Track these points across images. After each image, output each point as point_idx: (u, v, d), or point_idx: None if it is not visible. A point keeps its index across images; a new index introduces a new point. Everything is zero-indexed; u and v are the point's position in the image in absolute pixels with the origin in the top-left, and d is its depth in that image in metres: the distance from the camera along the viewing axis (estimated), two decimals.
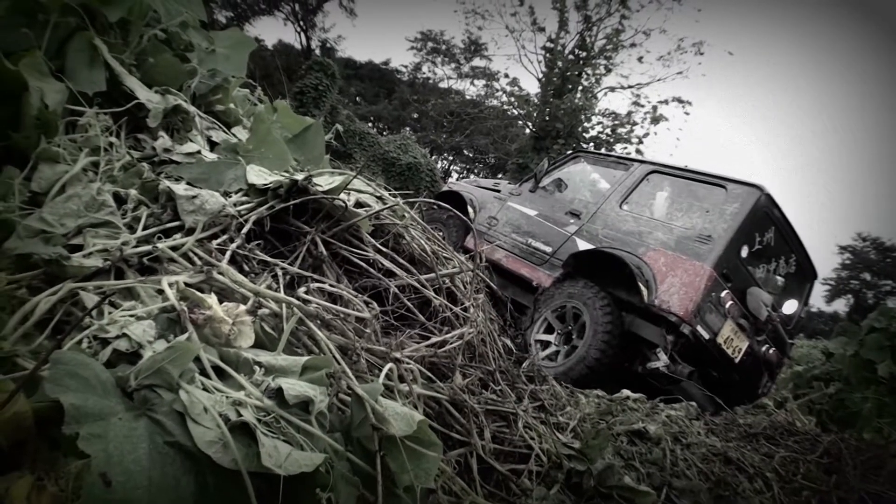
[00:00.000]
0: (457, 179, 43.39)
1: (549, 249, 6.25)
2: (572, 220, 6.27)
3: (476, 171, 40.41)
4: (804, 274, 6.25)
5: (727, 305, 5.08)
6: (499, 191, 7.48)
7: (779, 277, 5.85)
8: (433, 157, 34.46)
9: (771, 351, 5.63)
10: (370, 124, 35.09)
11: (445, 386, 1.81)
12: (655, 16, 39.78)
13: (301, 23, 37.29)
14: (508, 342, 2.53)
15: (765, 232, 5.58)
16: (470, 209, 7.29)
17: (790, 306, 5.81)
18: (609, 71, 23.23)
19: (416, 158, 26.16)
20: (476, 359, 2.08)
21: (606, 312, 5.11)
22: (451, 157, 40.94)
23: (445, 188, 8.42)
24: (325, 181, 1.96)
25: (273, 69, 33.35)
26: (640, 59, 23.64)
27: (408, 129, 37.70)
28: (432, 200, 2.73)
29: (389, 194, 2.46)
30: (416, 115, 39.76)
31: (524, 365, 2.57)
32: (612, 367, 4.98)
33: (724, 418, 3.72)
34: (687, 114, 24.40)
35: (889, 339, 5.46)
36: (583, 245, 5.94)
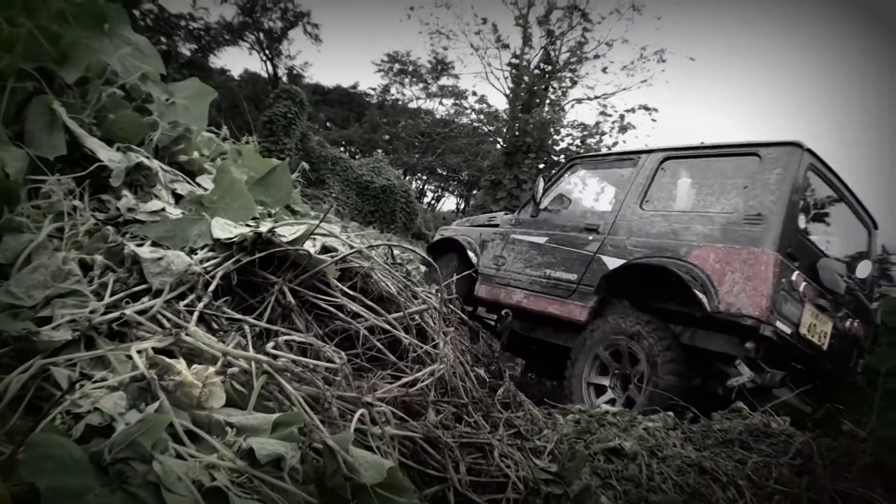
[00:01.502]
0: (432, 200, 43.59)
1: (573, 277, 5.46)
2: (591, 237, 5.49)
3: (450, 188, 40.63)
4: (865, 226, 5.56)
5: (801, 288, 4.41)
6: (497, 224, 6.71)
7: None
8: (407, 178, 34.61)
9: (855, 324, 4.98)
10: (342, 149, 35.30)
11: (419, 424, 1.85)
12: (617, 26, 40.53)
13: (266, 51, 37.47)
14: (482, 372, 2.58)
15: (817, 193, 5.02)
16: (471, 254, 6.61)
17: (864, 268, 5.11)
18: (575, 83, 23.66)
19: (389, 180, 26.29)
20: (448, 393, 2.12)
21: (663, 343, 4.50)
22: (424, 177, 41.15)
23: (438, 236, 7.66)
24: (289, 231, 2.01)
25: (240, 99, 33.47)
26: (604, 70, 24.17)
27: (380, 151, 37.91)
28: (398, 244, 2.74)
29: (355, 233, 2.51)
30: (387, 137, 39.99)
31: (499, 392, 2.62)
32: (686, 397, 4.24)
33: (700, 425, 3.78)
34: (654, 120, 24.75)
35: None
36: (612, 262, 5.19)
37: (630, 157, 5.85)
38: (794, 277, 4.36)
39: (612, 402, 4.68)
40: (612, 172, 6.24)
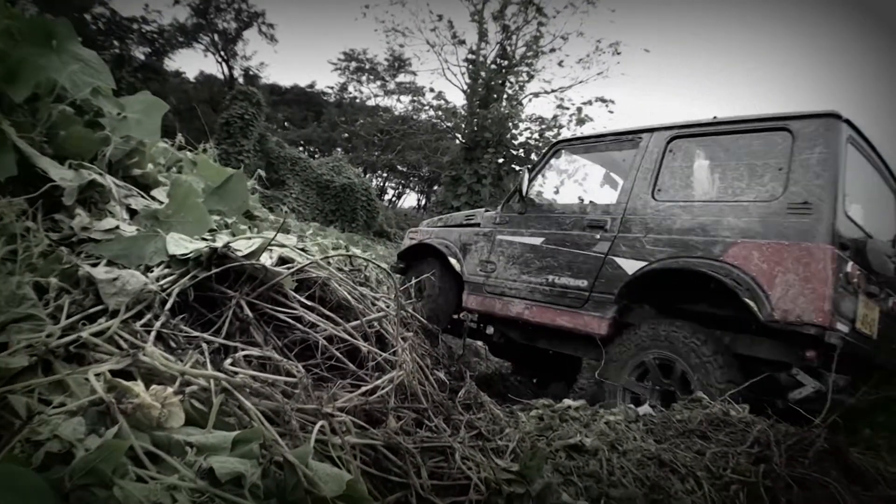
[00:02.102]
0: (393, 197, 43.54)
1: (583, 284, 4.82)
2: (598, 236, 4.83)
3: (411, 185, 40.63)
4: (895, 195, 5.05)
5: (856, 280, 3.92)
6: (477, 223, 5.96)
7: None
8: (367, 176, 34.54)
9: (893, 302, 4.58)
10: (300, 148, 35.06)
11: (380, 431, 1.88)
12: (571, 20, 40.68)
13: (221, 53, 37.06)
14: (442, 375, 2.62)
15: (860, 169, 4.37)
16: (454, 261, 5.91)
17: None
18: (531, 77, 23.78)
19: (350, 179, 26.24)
20: (409, 399, 2.16)
21: (709, 348, 4.00)
22: (384, 175, 41.08)
23: (408, 240, 6.83)
24: (244, 245, 2.02)
25: (197, 102, 33.08)
26: (560, 64, 24.30)
27: (339, 150, 37.76)
28: (358, 254, 2.77)
29: (312, 241, 2.53)
30: (346, 136, 39.86)
31: (460, 394, 2.66)
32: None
33: (661, 416, 3.81)
34: (611, 112, 25.00)
35: None
36: (629, 265, 4.55)
37: (629, 137, 5.11)
38: (848, 269, 3.88)
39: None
40: (608, 156, 5.59)
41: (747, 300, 3.91)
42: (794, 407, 3.75)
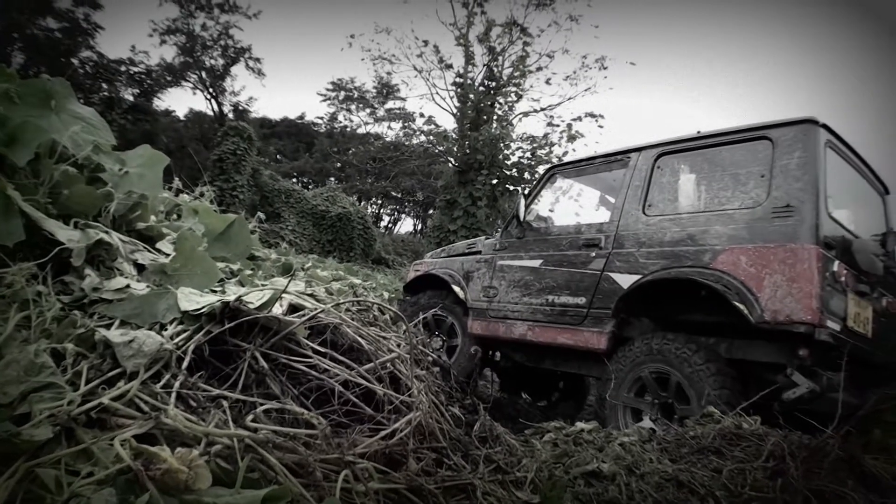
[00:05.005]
0: (389, 223, 43.62)
1: (581, 301, 4.93)
2: (593, 254, 4.97)
3: (406, 210, 40.74)
4: (879, 195, 5.23)
5: (843, 279, 4.03)
6: (478, 251, 6.10)
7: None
8: (362, 204, 34.62)
9: (888, 302, 4.66)
10: (294, 180, 35.17)
11: (401, 474, 1.89)
12: (556, 38, 40.89)
13: (210, 89, 37.25)
14: (457, 410, 2.62)
15: (841, 172, 4.51)
16: (457, 289, 5.98)
17: (892, 241, 4.77)
18: (520, 97, 23.85)
19: (345, 208, 26.32)
20: (427, 438, 2.17)
21: (703, 356, 4.10)
22: (379, 202, 41.19)
23: (412, 273, 6.91)
24: (256, 297, 2.04)
25: (188, 140, 33.24)
26: (547, 82, 24.48)
27: (332, 179, 37.88)
28: (368, 299, 2.78)
29: (321, 284, 2.55)
30: (339, 165, 40.00)
31: (475, 427, 2.66)
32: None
33: (674, 433, 3.80)
34: (601, 127, 25.01)
35: None
36: (624, 280, 4.69)
37: (618, 157, 5.31)
38: (835, 268, 3.98)
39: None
40: (600, 178, 5.71)
41: (737, 304, 4.00)
42: (789, 407, 3.84)
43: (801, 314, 3.79)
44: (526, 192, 5.94)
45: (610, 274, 4.77)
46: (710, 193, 4.80)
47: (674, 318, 4.68)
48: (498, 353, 6.03)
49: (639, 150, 5.13)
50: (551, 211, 5.78)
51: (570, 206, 6.37)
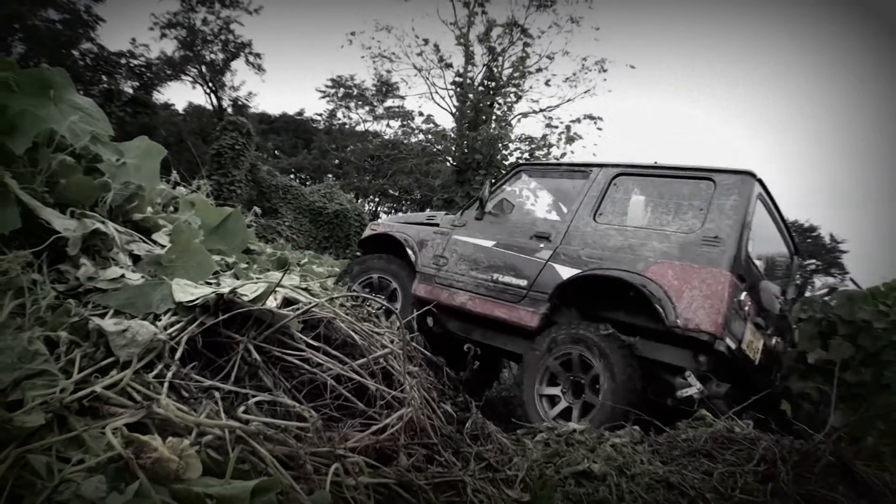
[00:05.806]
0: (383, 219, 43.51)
1: (523, 283, 5.46)
2: (542, 245, 5.51)
3: (403, 208, 40.68)
4: (790, 253, 6.06)
5: (747, 308, 4.69)
6: (437, 224, 6.54)
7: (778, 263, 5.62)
8: (359, 202, 34.57)
9: (776, 341, 5.33)
10: (292, 176, 35.10)
11: (392, 469, 1.89)
12: (557, 39, 40.80)
13: (210, 84, 37.20)
14: (448, 407, 2.63)
15: (763, 220, 5.21)
16: (409, 251, 6.40)
17: (791, 292, 5.58)
18: (519, 98, 23.86)
19: (342, 205, 26.29)
20: (418, 434, 2.17)
21: (625, 360, 4.62)
22: (377, 200, 41.12)
23: (369, 231, 7.27)
24: (250, 289, 2.04)
25: (187, 134, 33.18)
26: (547, 83, 24.42)
27: (330, 176, 37.82)
28: (361, 294, 2.79)
29: (315, 278, 2.55)
30: (336, 162, 39.90)
31: (467, 425, 2.67)
32: (640, 409, 4.39)
33: (666, 436, 3.84)
34: (600, 129, 25.03)
35: (817, 326, 5.58)
36: (565, 271, 5.24)
37: (581, 169, 5.90)
38: (742, 297, 4.65)
39: (567, 410, 4.81)
40: (561, 182, 6.24)
41: (657, 306, 4.62)
42: (679, 404, 4.47)
43: (708, 325, 4.42)
44: (493, 181, 6.49)
45: (553, 264, 5.35)
46: (654, 215, 5.46)
47: (599, 312, 5.22)
48: (431, 319, 6.26)
49: (601, 166, 5.76)
50: (510, 202, 6.19)
51: (528, 200, 6.81)
